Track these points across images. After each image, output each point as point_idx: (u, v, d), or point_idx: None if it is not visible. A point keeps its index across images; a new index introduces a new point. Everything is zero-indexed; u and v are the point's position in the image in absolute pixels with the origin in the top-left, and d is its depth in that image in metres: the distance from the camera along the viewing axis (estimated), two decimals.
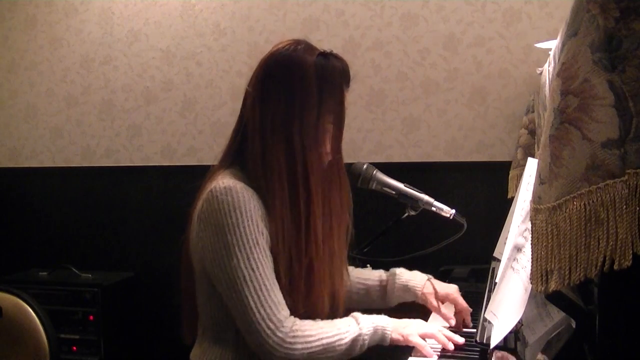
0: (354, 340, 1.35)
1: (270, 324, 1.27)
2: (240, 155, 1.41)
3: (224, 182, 1.32)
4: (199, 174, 1.45)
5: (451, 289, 1.63)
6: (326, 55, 1.39)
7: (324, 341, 1.32)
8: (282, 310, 1.30)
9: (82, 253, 3.14)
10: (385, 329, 1.40)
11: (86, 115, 3.14)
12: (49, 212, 3.21)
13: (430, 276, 1.66)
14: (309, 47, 1.41)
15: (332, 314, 1.45)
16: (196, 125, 2.97)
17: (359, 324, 1.38)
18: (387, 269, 1.75)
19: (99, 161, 3.13)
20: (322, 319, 1.40)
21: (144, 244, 3.05)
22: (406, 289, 1.62)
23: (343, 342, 1.34)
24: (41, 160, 3.22)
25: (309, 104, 1.35)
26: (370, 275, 1.66)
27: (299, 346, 1.29)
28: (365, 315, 1.42)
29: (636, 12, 0.67)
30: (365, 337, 1.37)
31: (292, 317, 1.33)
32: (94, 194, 3.13)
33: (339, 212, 1.43)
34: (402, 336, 1.41)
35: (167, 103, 3.02)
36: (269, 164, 1.34)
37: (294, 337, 1.29)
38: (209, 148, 2.94)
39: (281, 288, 1.33)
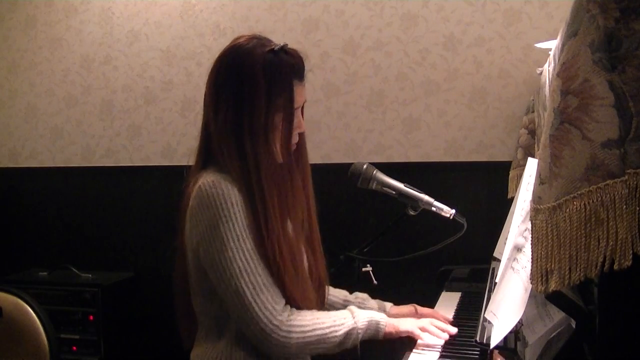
0: (348, 333, 1.37)
1: (267, 312, 1.29)
2: (210, 153, 1.41)
3: (210, 177, 1.32)
4: None
5: (409, 307, 1.68)
6: (276, 51, 1.37)
7: (319, 332, 1.34)
8: (278, 299, 1.32)
9: (82, 253, 3.14)
10: (379, 323, 1.42)
11: (86, 115, 3.14)
12: (49, 212, 3.21)
13: (390, 303, 1.69)
14: (261, 43, 1.38)
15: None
16: (196, 125, 2.95)
17: (354, 317, 1.40)
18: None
19: (99, 161, 3.13)
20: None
21: (144, 244, 3.05)
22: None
23: (337, 334, 1.36)
24: (41, 160, 3.22)
25: (257, 103, 1.34)
26: (335, 292, 1.67)
27: (295, 335, 1.31)
28: (361, 310, 1.44)
29: (636, 12, 0.67)
30: (360, 330, 1.39)
31: (288, 306, 1.34)
32: (94, 194, 3.13)
33: (293, 213, 1.42)
34: (395, 328, 1.44)
35: (167, 103, 3.02)
36: (227, 164, 1.35)
37: (289, 325, 1.31)
38: None
39: None
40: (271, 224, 1.33)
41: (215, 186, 1.30)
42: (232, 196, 1.30)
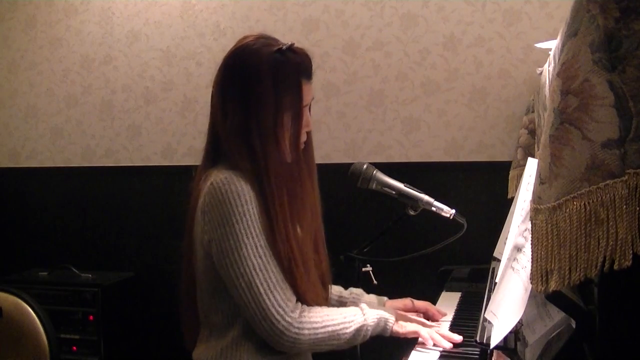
0: (358, 330, 1.38)
1: (280, 310, 1.30)
2: (218, 153, 1.41)
3: (222, 174, 1.32)
4: None
5: (405, 300, 1.70)
6: (283, 51, 1.37)
7: (330, 328, 1.35)
8: (290, 296, 1.33)
9: (82, 253, 3.14)
10: (388, 321, 1.44)
11: (86, 115, 3.14)
12: (49, 212, 3.21)
13: (386, 298, 1.71)
14: (267, 43, 1.38)
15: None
16: (196, 126, 2.97)
17: (364, 314, 1.41)
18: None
19: (99, 161, 3.13)
20: None
21: (144, 244, 3.05)
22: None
23: (347, 330, 1.37)
24: (41, 160, 3.22)
25: (265, 103, 1.34)
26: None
27: (306, 332, 1.32)
28: (370, 308, 1.45)
29: (636, 12, 0.67)
30: (369, 327, 1.40)
31: (299, 303, 1.35)
32: (94, 194, 3.13)
33: (302, 212, 1.42)
34: (402, 327, 1.47)
35: (167, 103, 3.02)
36: (237, 163, 1.35)
37: (301, 322, 1.32)
38: None
39: None
40: (282, 222, 1.34)
41: (229, 183, 1.30)
42: (245, 193, 1.30)
